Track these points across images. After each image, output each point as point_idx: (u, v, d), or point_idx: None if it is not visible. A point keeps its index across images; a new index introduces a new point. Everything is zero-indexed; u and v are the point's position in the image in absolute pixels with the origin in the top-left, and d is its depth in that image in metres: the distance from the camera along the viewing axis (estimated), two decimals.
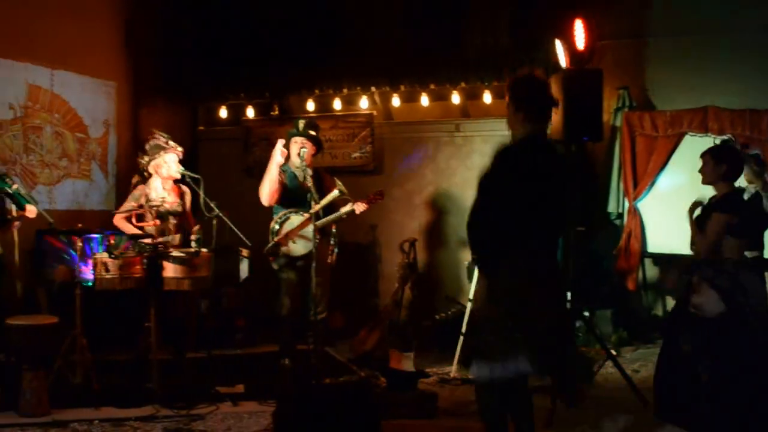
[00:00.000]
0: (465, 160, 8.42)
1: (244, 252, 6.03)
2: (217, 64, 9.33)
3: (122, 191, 7.94)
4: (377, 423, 4.71)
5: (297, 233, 6.14)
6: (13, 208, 6.07)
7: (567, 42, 7.75)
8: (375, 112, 8.95)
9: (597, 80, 5.90)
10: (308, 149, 6.26)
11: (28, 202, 6.06)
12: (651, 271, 8.11)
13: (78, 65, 8.36)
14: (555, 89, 5.79)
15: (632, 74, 8.34)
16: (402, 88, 8.77)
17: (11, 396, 5.23)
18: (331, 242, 6.35)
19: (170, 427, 4.97)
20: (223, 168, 8.78)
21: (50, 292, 6.90)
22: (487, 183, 3.87)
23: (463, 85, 8.44)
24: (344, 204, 6.26)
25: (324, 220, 6.12)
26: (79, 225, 5.78)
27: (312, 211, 6.04)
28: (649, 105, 8.29)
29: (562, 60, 7.68)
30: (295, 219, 6.20)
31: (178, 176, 6.25)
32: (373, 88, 8.89)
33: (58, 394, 5.36)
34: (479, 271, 4.13)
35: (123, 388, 5.61)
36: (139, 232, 5.96)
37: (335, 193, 6.13)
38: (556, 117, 5.71)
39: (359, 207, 6.23)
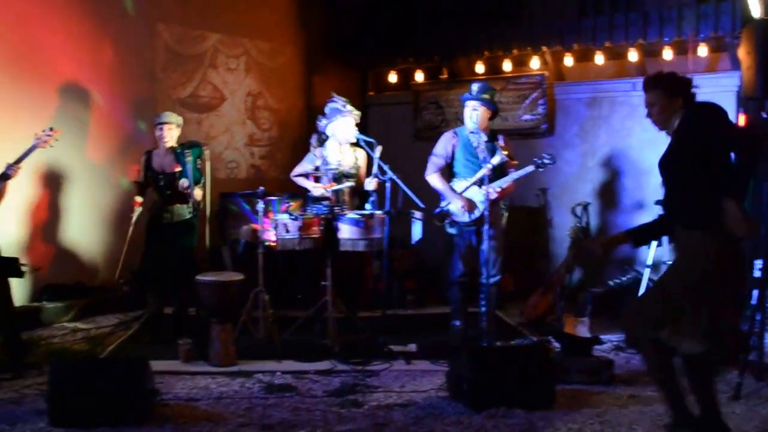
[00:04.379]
0: (642, 120, 7.94)
1: (417, 214, 6.10)
2: (386, 28, 9.43)
3: (298, 155, 8.22)
4: (552, 388, 4.69)
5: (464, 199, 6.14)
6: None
7: None
8: (547, 73, 8.78)
9: None
10: (480, 113, 6.19)
11: (197, 182, 6.27)
12: None
13: (255, 32, 8.70)
14: (746, 42, 5.43)
15: None
16: (575, 47, 8.54)
17: (202, 347, 5.58)
18: (502, 205, 6.31)
19: (347, 382, 5.13)
20: (392, 132, 8.88)
21: (234, 251, 7.27)
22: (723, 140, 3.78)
23: (641, 42, 8.09)
24: (514, 168, 6.17)
25: (492, 185, 6.00)
26: (261, 187, 6.02)
27: (478, 175, 6.04)
28: None
29: (755, 10, 7.13)
30: (461, 185, 6.20)
31: (354, 140, 6.39)
32: (544, 48, 8.72)
33: (243, 347, 5.67)
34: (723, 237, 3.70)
35: (301, 343, 5.85)
36: (319, 189, 6.17)
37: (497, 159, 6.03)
38: (749, 72, 5.38)
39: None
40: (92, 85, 7.52)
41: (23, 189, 6.87)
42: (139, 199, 6.40)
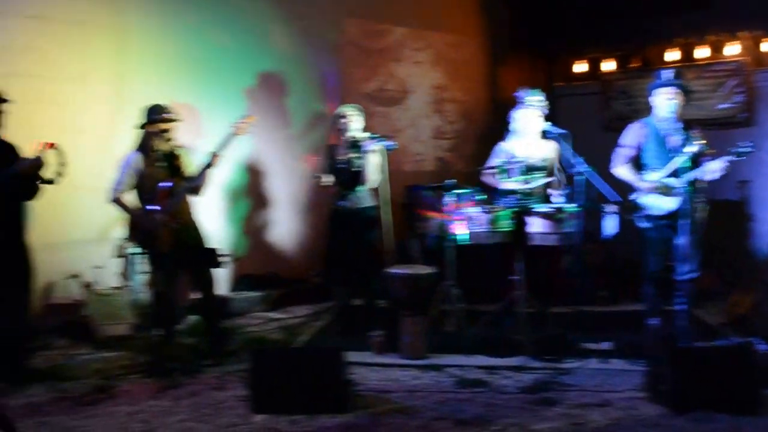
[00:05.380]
0: None
1: (609, 208, 5.90)
2: (572, 17, 9.22)
3: (484, 148, 8.19)
4: (758, 392, 4.43)
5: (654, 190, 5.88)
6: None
7: None
8: (745, 59, 8.28)
9: None
10: (678, 100, 5.91)
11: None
12: None
13: (440, 25, 8.73)
14: None
15: None
16: None
17: (392, 339, 5.66)
18: (699, 198, 5.99)
19: (540, 379, 5.05)
20: (580, 123, 8.61)
21: (422, 243, 7.33)
22: None
23: None
24: (710, 157, 5.84)
25: (686, 176, 5.71)
26: (450, 180, 6.04)
27: (673, 165, 5.76)
28: None
29: None
30: (653, 177, 5.94)
31: (537, 133, 6.28)
32: (741, 33, 8.22)
33: (433, 340, 5.70)
34: None
35: (492, 338, 5.80)
36: (506, 187, 6.11)
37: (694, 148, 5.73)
38: None
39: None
40: (283, 81, 7.82)
41: (222, 181, 7.25)
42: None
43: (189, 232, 5.66)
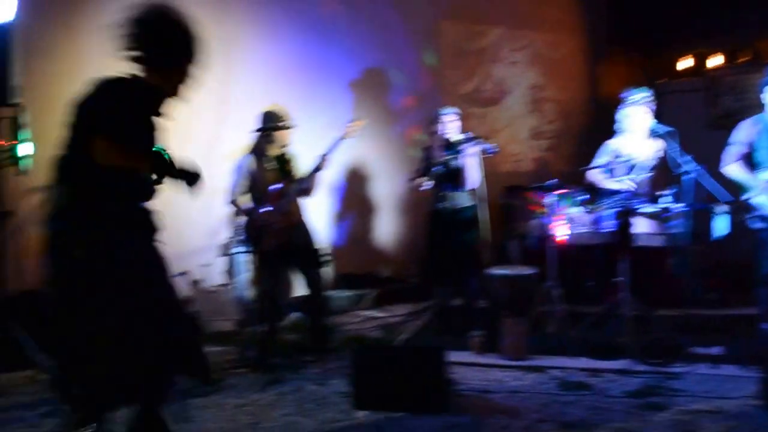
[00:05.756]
0: None
1: (719, 208, 5.70)
2: (673, 11, 8.96)
3: (583, 147, 8.06)
4: None
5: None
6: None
7: None
8: None
9: None
10: None
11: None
12: None
13: (538, 24, 8.63)
14: None
15: None
16: None
17: (492, 340, 5.62)
18: None
19: (647, 383, 4.91)
20: (685, 121, 8.37)
21: (522, 244, 7.26)
22: None
23: None
24: None
25: None
26: (553, 180, 5.96)
27: None
28: None
29: None
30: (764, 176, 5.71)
31: (644, 131, 6.13)
32: None
33: (534, 341, 5.63)
34: None
35: (594, 341, 5.69)
36: (613, 186, 6.00)
37: None
38: None
39: None
40: (382, 84, 7.87)
41: (325, 182, 7.35)
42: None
43: (298, 232, 5.79)
